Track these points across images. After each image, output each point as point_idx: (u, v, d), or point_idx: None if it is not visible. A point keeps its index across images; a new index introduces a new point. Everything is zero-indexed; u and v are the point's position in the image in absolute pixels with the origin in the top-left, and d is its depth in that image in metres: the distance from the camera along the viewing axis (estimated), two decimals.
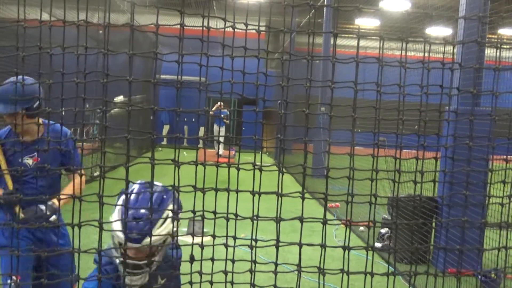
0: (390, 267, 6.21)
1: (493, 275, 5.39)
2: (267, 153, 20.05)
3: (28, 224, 2.86)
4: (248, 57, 1.94)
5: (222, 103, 16.95)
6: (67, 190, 3.26)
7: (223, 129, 17.88)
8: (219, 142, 16.52)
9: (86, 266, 4.83)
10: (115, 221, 1.93)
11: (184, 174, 1.91)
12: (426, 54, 2.06)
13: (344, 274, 1.98)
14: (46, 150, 1.98)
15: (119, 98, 10.92)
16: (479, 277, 5.57)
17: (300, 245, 1.94)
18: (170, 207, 2.01)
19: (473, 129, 2.23)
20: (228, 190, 1.94)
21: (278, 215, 1.93)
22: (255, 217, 1.94)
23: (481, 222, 2.34)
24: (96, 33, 9.40)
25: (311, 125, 1.98)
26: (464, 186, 2.23)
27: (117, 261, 2.00)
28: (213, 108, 16.75)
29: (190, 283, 1.96)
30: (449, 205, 2.33)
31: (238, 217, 1.95)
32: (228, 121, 17.79)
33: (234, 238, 1.99)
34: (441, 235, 6.08)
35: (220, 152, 16.96)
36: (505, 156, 2.12)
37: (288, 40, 13.82)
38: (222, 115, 17.28)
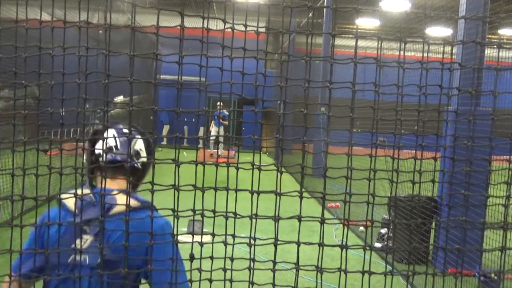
0: (389, 267, 6.21)
1: (493, 275, 5.40)
2: (267, 153, 20.06)
3: None
4: (247, 58, 1.95)
5: (221, 103, 16.98)
6: None
7: (221, 130, 17.90)
8: (218, 143, 16.55)
9: None
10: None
11: (184, 174, 1.91)
12: (426, 54, 2.06)
13: (343, 274, 1.99)
14: None
15: (119, 98, 10.92)
16: (479, 277, 5.57)
17: (299, 243, 1.95)
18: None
19: (473, 130, 2.23)
20: (227, 189, 1.95)
21: (277, 214, 1.94)
22: (254, 216, 1.95)
23: (481, 222, 2.34)
24: (96, 33, 9.42)
25: (310, 125, 1.98)
26: (464, 186, 2.24)
27: None
28: (217, 111, 16.77)
29: (190, 281, 1.97)
30: (449, 205, 2.33)
31: (237, 216, 1.96)
32: (226, 122, 17.80)
33: (233, 236, 2.00)
34: (441, 235, 6.08)
35: (220, 152, 16.97)
36: (506, 157, 2.12)
37: (287, 41, 13.83)
38: (220, 115, 17.32)
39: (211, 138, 16.72)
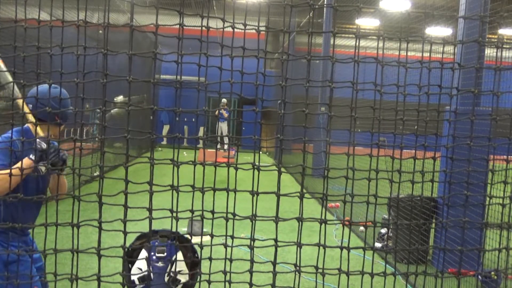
0: (389, 267, 6.20)
1: (493, 275, 5.38)
2: (267, 153, 20.05)
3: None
4: (247, 57, 1.94)
5: (225, 101, 16.99)
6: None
7: (225, 126, 17.91)
8: (223, 141, 16.52)
9: (86, 266, 4.81)
10: None
11: (184, 174, 1.90)
12: (426, 54, 2.05)
13: (343, 274, 1.98)
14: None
15: (119, 98, 10.90)
16: (479, 277, 5.55)
17: (299, 245, 1.94)
18: None
19: (474, 129, 2.23)
20: (227, 190, 1.94)
21: (277, 215, 1.93)
22: (254, 217, 1.94)
23: (481, 222, 2.33)
24: (96, 33, 9.41)
25: (310, 125, 1.97)
26: (464, 186, 2.23)
27: None
28: (218, 111, 16.72)
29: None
30: (448, 205, 2.33)
31: (237, 217, 1.95)
32: (227, 114, 17.75)
33: (232, 237, 1.99)
34: (441, 235, 6.07)
35: (225, 147, 16.93)
36: (505, 156, 2.11)
37: (287, 41, 13.81)
38: (221, 111, 17.31)
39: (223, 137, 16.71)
